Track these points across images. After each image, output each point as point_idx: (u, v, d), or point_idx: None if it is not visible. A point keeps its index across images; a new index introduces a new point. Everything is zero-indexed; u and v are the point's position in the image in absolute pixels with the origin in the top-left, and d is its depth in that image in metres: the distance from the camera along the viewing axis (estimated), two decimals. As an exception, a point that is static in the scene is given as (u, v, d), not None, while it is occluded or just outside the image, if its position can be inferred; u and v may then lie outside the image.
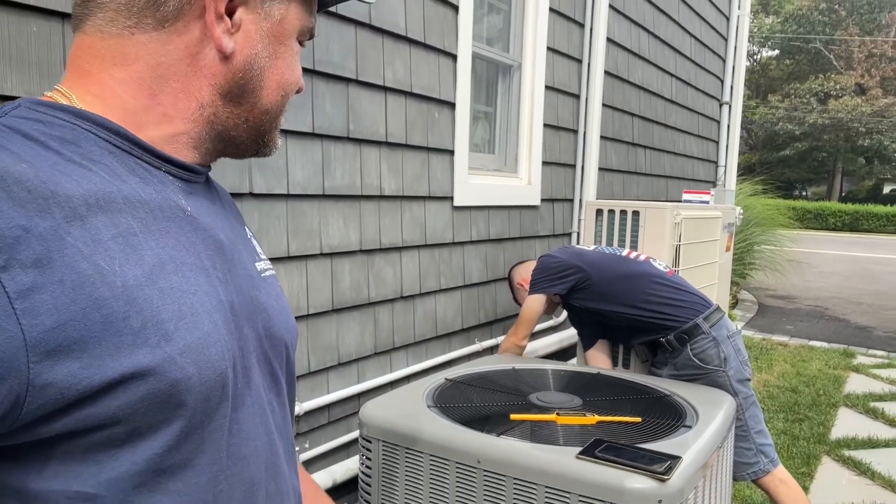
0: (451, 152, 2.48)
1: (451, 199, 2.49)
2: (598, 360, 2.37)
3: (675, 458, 1.44)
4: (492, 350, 2.80)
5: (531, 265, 2.38)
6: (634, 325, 2.18)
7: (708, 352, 2.06)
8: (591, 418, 1.70)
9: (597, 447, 1.49)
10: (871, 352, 5.44)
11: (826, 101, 27.44)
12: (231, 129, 0.63)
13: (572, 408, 1.79)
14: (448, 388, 1.99)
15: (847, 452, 3.29)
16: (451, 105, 2.46)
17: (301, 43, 0.66)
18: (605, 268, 2.22)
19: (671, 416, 1.74)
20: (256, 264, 0.68)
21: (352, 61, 1.99)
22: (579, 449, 1.48)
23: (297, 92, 0.67)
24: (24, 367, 0.44)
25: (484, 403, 1.84)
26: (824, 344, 5.65)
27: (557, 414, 1.72)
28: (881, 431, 3.55)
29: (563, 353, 3.28)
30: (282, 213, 1.82)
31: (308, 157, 1.88)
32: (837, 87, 27.52)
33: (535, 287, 2.26)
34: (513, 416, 1.71)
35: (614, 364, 2.48)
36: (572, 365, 2.31)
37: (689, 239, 2.59)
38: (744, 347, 2.13)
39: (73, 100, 0.56)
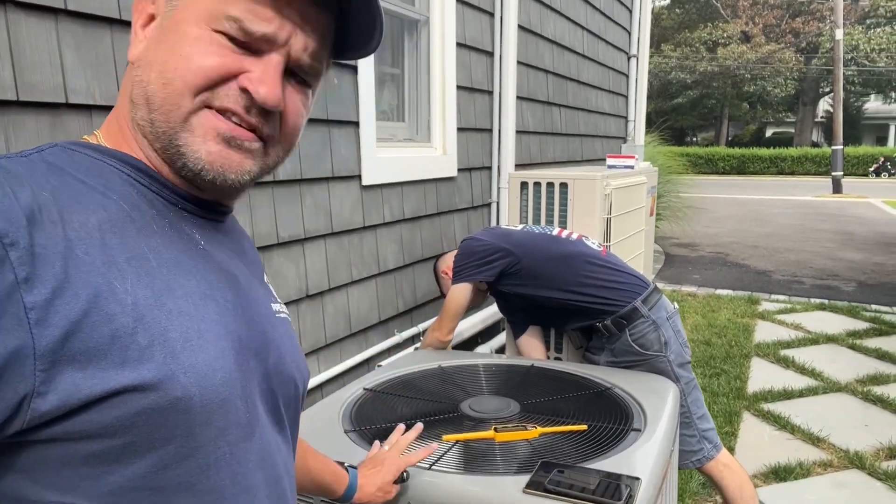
0: (356, 123, 2.16)
1: (359, 177, 2.19)
2: (532, 349, 2.18)
3: (634, 480, 1.27)
4: (413, 340, 2.56)
5: (455, 254, 2.13)
6: (569, 310, 2.00)
7: (648, 336, 1.91)
8: (533, 431, 1.50)
9: (545, 474, 1.29)
10: (773, 297, 5.66)
11: (715, 50, 28.60)
12: (150, 138, 0.59)
13: (510, 417, 1.59)
14: (368, 402, 1.73)
15: (766, 406, 3.34)
16: (353, 68, 2.13)
17: (232, 37, 0.57)
18: (535, 249, 2.01)
19: (618, 418, 1.58)
20: (272, 304, 0.69)
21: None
22: (525, 478, 1.27)
23: (252, 97, 0.58)
24: (30, 374, 0.46)
25: (410, 419, 1.61)
26: (730, 292, 5.83)
27: (495, 429, 1.50)
28: (794, 381, 3.65)
29: (489, 332, 3.10)
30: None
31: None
32: (725, 35, 28.70)
33: (459, 275, 2.03)
34: (445, 437, 1.48)
35: (546, 349, 2.30)
36: (503, 357, 2.11)
37: (618, 210, 2.43)
38: (682, 328, 2.00)
39: (100, 139, 0.61)
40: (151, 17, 0.60)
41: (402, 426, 1.34)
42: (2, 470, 0.49)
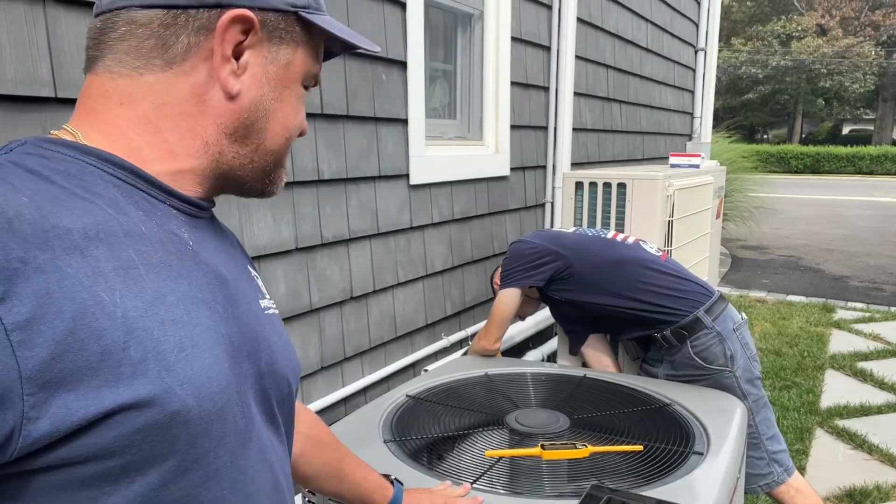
0: (405, 121, 2.09)
1: (407, 176, 2.12)
2: (601, 362, 2.05)
3: (695, 512, 1.16)
4: (461, 344, 2.48)
5: None
6: (624, 319, 1.87)
7: (712, 349, 1.77)
8: (584, 450, 1.39)
9: (596, 499, 1.19)
10: (850, 305, 5.30)
11: (788, 44, 27.30)
12: (236, 168, 0.63)
13: (559, 433, 1.49)
14: (409, 409, 1.66)
15: (840, 423, 3.11)
16: (402, 64, 2.06)
17: (306, 88, 0.67)
18: (588, 253, 1.89)
19: (678, 439, 1.45)
20: (260, 301, 0.68)
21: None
22: None
23: (301, 135, 0.68)
24: (18, 399, 0.44)
25: (452, 431, 1.53)
26: (802, 298, 5.50)
27: (542, 446, 1.41)
28: (872, 396, 3.39)
29: (540, 337, 2.99)
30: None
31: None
32: (799, 28, 27.35)
33: (507, 279, 1.93)
34: (488, 453, 1.40)
35: (616, 360, 2.17)
36: (553, 366, 2.01)
37: (681, 212, 2.28)
38: (751, 340, 1.85)
39: (79, 137, 0.58)
40: (240, 48, 0.60)
41: (448, 483, 1.25)
42: None
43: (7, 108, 1.12)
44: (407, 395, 1.72)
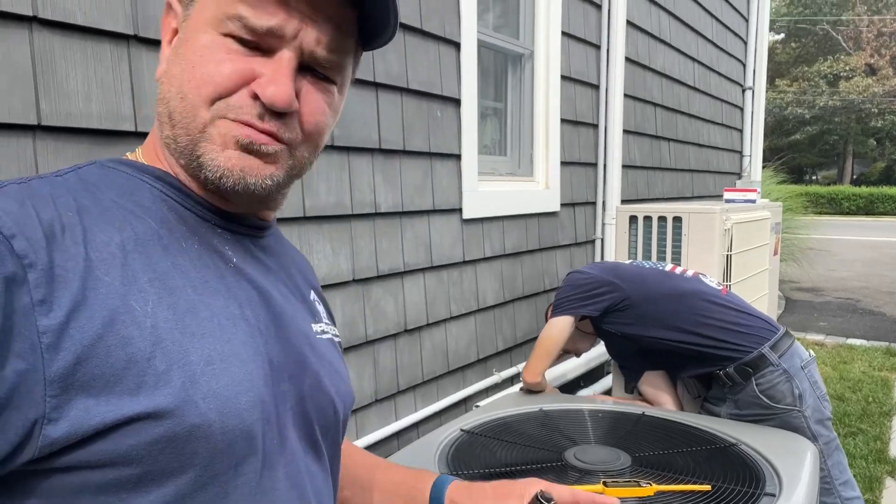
0: (458, 157, 2.12)
1: (460, 211, 2.14)
2: (659, 399, 1.99)
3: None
4: (513, 381, 2.45)
5: None
6: (684, 355, 1.82)
7: (778, 387, 1.70)
8: (648, 488, 1.34)
9: (664, 539, 1.14)
10: (915, 349, 5.05)
11: (836, 84, 26.85)
12: (175, 154, 0.58)
13: (620, 470, 1.44)
14: (464, 443, 1.64)
15: (912, 473, 2.92)
16: (456, 101, 2.11)
17: (237, 39, 0.55)
18: (645, 285, 1.86)
19: (747, 480, 1.39)
20: (313, 325, 0.66)
21: (334, 53, 1.64)
22: (641, 544, 1.13)
23: (262, 101, 0.54)
24: (40, 399, 0.44)
25: (509, 466, 1.50)
26: (863, 342, 5.27)
27: (604, 483, 1.36)
28: (946, 446, 3.19)
29: (592, 375, 2.93)
30: (253, 242, 1.47)
31: (284, 173, 1.53)
32: (847, 68, 26.93)
33: (560, 308, 1.90)
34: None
35: (677, 397, 2.11)
36: (611, 403, 1.96)
37: (739, 246, 2.23)
38: (820, 378, 1.77)
39: (139, 156, 0.60)
40: (175, 32, 0.58)
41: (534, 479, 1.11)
42: (19, 498, 0.47)
43: (93, 142, 1.18)
44: (461, 430, 1.70)
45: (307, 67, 0.57)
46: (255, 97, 0.54)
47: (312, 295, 0.71)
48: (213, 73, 0.54)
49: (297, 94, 0.56)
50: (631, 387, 2.06)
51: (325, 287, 1.67)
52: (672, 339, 1.81)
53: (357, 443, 1.77)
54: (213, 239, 0.58)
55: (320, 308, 0.72)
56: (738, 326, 1.76)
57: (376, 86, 1.79)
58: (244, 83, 0.55)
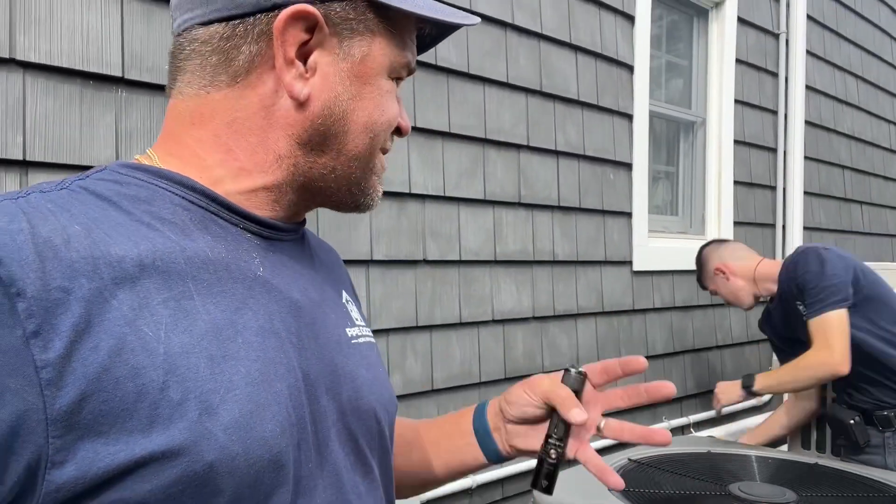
0: (629, 214, 2.35)
1: (630, 263, 2.35)
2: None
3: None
4: (682, 431, 2.52)
5: (737, 248, 2.11)
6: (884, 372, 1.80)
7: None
8: (811, 520, 1.41)
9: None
10: None
11: None
12: (317, 179, 0.58)
13: (784, 504, 1.51)
14: (633, 470, 1.80)
15: None
16: (628, 166, 2.36)
17: (398, 80, 0.61)
18: (879, 283, 1.85)
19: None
20: (347, 329, 0.63)
21: (523, 127, 2.00)
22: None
23: (399, 135, 0.63)
24: (42, 441, 0.41)
25: (675, 491, 1.63)
26: None
27: (766, 512, 1.46)
28: None
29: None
30: (454, 279, 1.83)
31: (480, 224, 1.89)
32: None
33: (827, 301, 1.80)
34: (709, 511, 1.48)
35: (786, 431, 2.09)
36: (781, 451, 1.99)
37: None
38: None
39: (156, 160, 0.56)
40: (305, 48, 0.55)
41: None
42: None
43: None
44: (629, 459, 1.86)
45: None
46: (398, 129, 0.62)
47: (345, 296, 0.68)
48: (393, 118, 0.60)
49: None
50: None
51: (509, 321, 1.96)
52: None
53: (531, 463, 1.99)
54: (239, 246, 0.55)
55: (353, 309, 0.68)
56: None
57: (557, 153, 2.11)
58: None
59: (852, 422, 1.84)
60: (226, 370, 0.47)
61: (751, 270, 2.07)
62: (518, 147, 1.99)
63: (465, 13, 0.62)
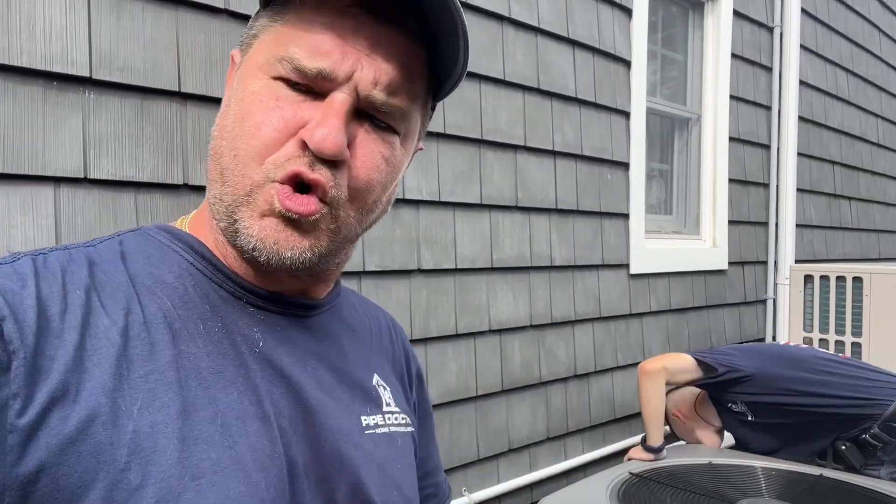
0: (626, 216, 2.28)
1: (627, 266, 2.28)
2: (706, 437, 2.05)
3: None
4: (678, 437, 2.47)
5: (686, 394, 2.12)
6: (816, 420, 1.83)
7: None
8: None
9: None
10: None
11: None
12: (219, 226, 0.53)
13: (795, 523, 1.46)
14: (634, 486, 1.73)
15: None
16: (625, 165, 2.28)
17: (289, 81, 0.49)
18: (762, 355, 1.93)
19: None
20: (364, 417, 0.56)
21: (520, 128, 1.90)
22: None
23: (317, 151, 0.47)
24: None
25: (680, 509, 1.57)
26: None
27: (778, 533, 1.40)
28: None
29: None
30: (450, 288, 1.73)
31: (476, 229, 1.79)
32: None
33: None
34: (719, 532, 1.42)
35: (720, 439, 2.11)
36: (786, 462, 1.94)
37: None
38: None
39: (185, 224, 0.56)
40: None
41: None
42: None
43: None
44: (630, 473, 1.80)
45: (365, 114, 0.50)
46: (305, 146, 0.48)
47: (376, 378, 0.61)
48: (261, 124, 0.48)
49: (351, 143, 0.49)
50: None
51: (506, 330, 1.87)
52: (800, 403, 1.83)
53: (529, 476, 1.93)
54: (240, 320, 0.51)
55: (385, 393, 0.61)
56: (866, 381, 1.75)
57: (554, 154, 2.02)
58: (291, 133, 0.48)
59: (844, 448, 1.89)
60: (195, 455, 0.44)
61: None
62: (515, 148, 1.90)
63: None
